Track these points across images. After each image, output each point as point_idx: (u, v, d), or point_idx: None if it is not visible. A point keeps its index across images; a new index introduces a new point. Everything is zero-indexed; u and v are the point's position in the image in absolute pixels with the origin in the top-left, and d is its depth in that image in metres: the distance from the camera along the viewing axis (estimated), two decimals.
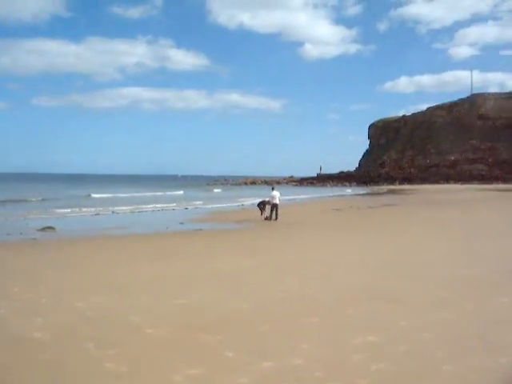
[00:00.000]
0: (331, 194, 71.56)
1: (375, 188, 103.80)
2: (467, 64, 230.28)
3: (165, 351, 6.03)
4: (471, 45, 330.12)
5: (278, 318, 7.45)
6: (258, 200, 29.43)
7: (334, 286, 9.72)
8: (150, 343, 6.32)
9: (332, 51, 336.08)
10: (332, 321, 7.33)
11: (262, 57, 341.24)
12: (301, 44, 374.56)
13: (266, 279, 10.62)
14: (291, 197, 51.84)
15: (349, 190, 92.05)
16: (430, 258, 13.31)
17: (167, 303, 8.49)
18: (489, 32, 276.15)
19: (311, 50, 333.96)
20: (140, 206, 39.67)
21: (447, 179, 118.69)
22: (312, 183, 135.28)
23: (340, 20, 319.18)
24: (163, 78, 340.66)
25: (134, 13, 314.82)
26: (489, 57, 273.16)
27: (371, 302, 8.37)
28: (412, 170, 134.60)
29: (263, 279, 10.64)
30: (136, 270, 12.20)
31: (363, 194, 75.68)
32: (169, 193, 67.84)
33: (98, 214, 33.17)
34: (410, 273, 11.16)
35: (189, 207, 40.75)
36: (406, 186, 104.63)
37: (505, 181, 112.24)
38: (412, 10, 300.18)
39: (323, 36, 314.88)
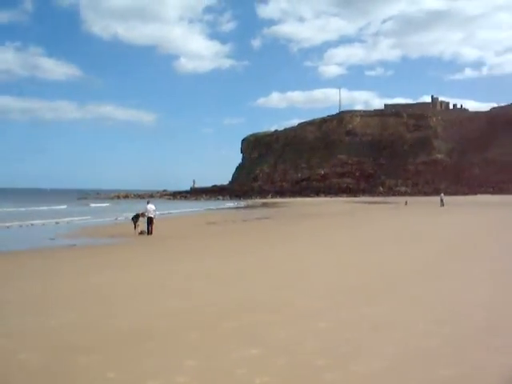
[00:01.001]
0: (205, 208, 71.11)
1: (249, 201, 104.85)
2: (335, 82, 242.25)
3: (40, 377, 5.53)
4: (339, 64, 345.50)
5: (160, 334, 7.16)
6: (133, 214, 28.47)
7: (211, 300, 9.51)
8: (23, 369, 5.75)
9: (207, 66, 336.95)
10: (213, 335, 7.15)
11: (136, 69, 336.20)
12: (176, 57, 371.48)
13: (142, 295, 10.24)
14: (165, 211, 51.05)
15: (223, 204, 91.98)
16: (305, 268, 13.39)
17: (40, 324, 7.85)
18: (355, 53, 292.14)
19: (186, 64, 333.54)
20: (8, 223, 36.22)
21: (317, 192, 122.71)
22: (186, 197, 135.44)
23: (215, 35, 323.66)
24: (33, 87, 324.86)
25: (1, 17, 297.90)
26: (355, 76, 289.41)
27: (250, 314, 8.29)
28: (284, 183, 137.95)
29: (139, 295, 10.26)
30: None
31: (237, 208, 76.12)
32: (49, 207, 64.95)
33: None
34: (286, 284, 11.17)
35: (62, 222, 38.72)
36: (279, 200, 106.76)
37: (370, 193, 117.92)
38: (284, 29, 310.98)
39: (198, 50, 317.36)
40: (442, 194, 64.23)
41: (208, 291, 10.42)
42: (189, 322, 7.83)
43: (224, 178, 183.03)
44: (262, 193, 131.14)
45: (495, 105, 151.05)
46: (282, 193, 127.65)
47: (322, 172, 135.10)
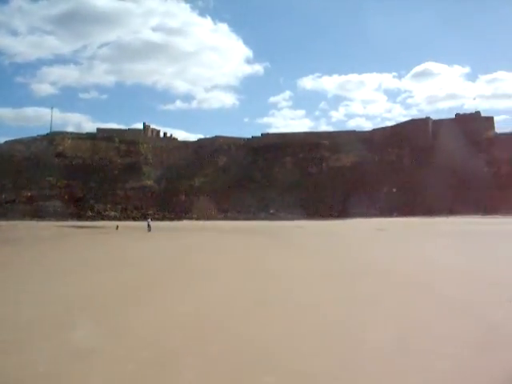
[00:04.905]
0: None
1: None
2: (48, 102, 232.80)
3: None
4: (53, 84, 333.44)
5: None
6: None
7: None
8: None
9: None
10: None
11: None
12: None
13: None
14: None
15: None
16: (6, 297, 13.27)
17: None
18: (70, 74, 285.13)
19: None
20: None
21: (24, 215, 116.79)
22: None
23: None
24: None
25: None
26: (69, 97, 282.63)
27: None
28: None
29: None
30: None
31: None
32: None
33: None
34: None
35: None
36: None
37: (79, 217, 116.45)
38: None
39: None
40: (149, 220, 67.27)
41: None
42: None
43: None
44: None
45: (202, 136, 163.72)
46: None
47: (29, 194, 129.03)
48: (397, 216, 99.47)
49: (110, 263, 23.80)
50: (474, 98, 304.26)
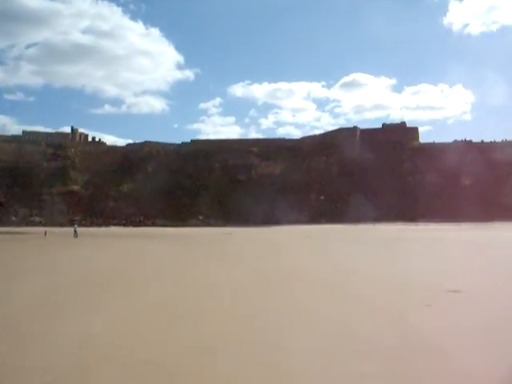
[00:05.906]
0: None
1: None
2: None
3: None
4: None
5: None
6: None
7: None
8: None
9: None
10: None
11: None
12: None
13: None
14: None
15: None
16: None
17: None
18: None
19: None
20: None
21: None
22: None
23: None
24: None
25: None
26: None
27: None
28: None
29: None
30: None
31: None
32: None
33: None
34: None
35: None
36: None
37: (2, 223, 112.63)
38: None
39: None
40: (76, 226, 66.12)
41: None
42: None
43: None
44: None
45: (131, 141, 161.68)
46: None
47: None
48: (325, 223, 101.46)
49: (33, 270, 23.28)
50: (401, 109, 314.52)
